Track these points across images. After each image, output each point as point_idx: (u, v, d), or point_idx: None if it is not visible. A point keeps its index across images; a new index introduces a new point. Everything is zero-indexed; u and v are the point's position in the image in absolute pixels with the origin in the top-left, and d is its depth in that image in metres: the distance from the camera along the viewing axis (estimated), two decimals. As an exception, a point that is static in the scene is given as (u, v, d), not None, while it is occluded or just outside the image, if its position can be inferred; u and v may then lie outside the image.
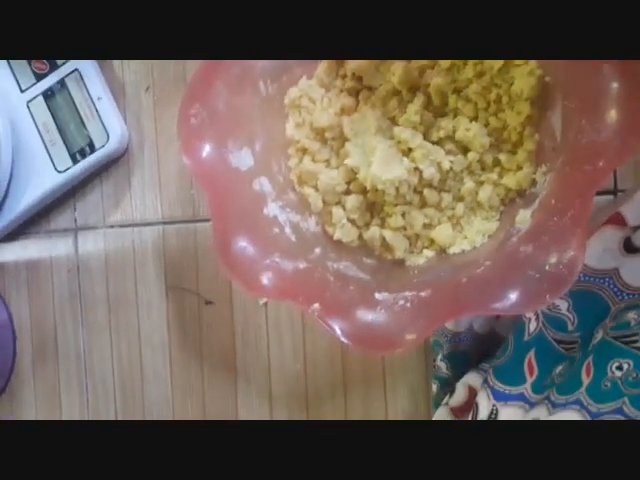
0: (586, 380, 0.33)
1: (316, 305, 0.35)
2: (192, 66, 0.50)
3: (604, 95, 0.30)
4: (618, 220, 0.34)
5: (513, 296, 0.31)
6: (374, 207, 0.41)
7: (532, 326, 0.36)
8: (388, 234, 0.40)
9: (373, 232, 0.41)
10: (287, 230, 0.41)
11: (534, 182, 0.37)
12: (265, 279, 0.37)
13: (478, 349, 0.41)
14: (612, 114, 0.29)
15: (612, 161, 0.29)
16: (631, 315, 0.31)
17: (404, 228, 0.40)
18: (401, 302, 0.35)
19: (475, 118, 0.38)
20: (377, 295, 0.36)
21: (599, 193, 0.30)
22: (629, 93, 0.29)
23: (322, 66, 0.42)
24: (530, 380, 0.36)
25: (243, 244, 0.38)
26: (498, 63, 0.37)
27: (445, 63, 0.38)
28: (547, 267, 0.30)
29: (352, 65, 0.41)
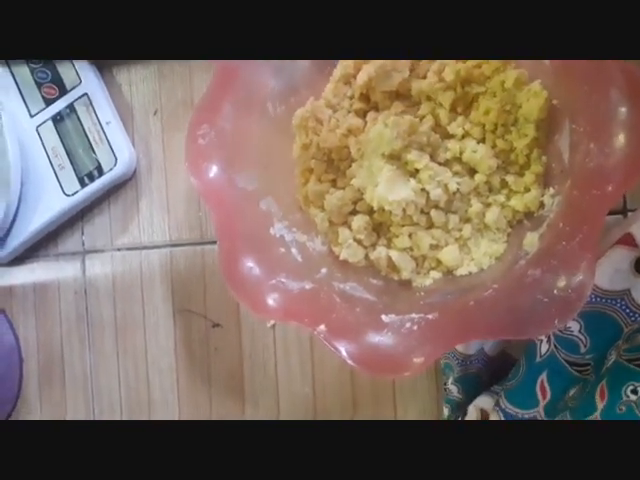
0: (600, 404, 0.32)
1: (322, 327, 0.35)
2: (199, 89, 0.51)
3: (612, 120, 0.29)
4: (629, 241, 0.33)
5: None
6: (381, 227, 0.41)
7: (544, 348, 0.35)
8: (395, 254, 0.40)
9: (379, 252, 0.40)
10: (293, 250, 0.41)
11: (542, 204, 0.37)
12: (271, 300, 0.36)
13: (489, 371, 0.40)
14: (620, 139, 0.29)
15: (620, 186, 0.29)
16: (644, 337, 0.31)
17: (411, 249, 0.40)
18: (408, 324, 0.34)
19: (482, 140, 0.38)
20: (384, 317, 0.36)
21: (608, 213, 0.29)
22: (637, 118, 0.29)
23: (330, 87, 0.42)
24: (543, 403, 0.35)
25: (249, 264, 0.38)
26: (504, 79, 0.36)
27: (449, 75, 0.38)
28: (555, 291, 0.30)
29: (360, 82, 0.41)
